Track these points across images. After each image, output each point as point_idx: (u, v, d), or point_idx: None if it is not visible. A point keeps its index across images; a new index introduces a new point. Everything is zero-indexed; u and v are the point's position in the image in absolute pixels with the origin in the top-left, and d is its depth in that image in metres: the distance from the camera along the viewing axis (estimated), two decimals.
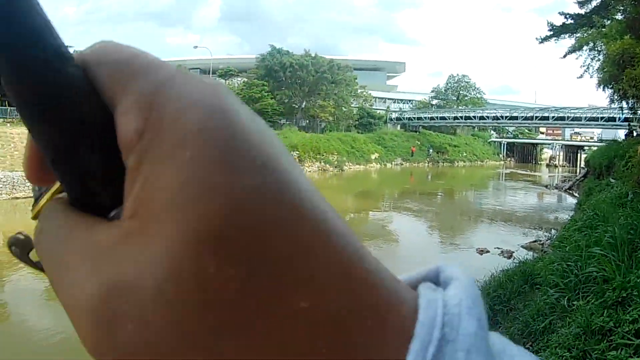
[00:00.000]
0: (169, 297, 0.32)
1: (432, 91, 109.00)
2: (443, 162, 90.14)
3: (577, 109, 79.06)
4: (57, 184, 0.44)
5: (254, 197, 0.34)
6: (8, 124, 49.91)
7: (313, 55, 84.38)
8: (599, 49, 41.27)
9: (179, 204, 0.33)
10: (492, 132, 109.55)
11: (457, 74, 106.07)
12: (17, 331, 14.55)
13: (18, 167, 39.83)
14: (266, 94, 77.48)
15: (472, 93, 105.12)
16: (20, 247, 0.49)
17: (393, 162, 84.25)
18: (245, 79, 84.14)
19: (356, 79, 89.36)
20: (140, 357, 0.33)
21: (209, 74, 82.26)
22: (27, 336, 12.80)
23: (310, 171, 67.43)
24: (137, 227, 0.35)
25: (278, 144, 0.39)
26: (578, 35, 43.24)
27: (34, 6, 0.40)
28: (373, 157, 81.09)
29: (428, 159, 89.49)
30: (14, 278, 20.82)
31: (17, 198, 38.59)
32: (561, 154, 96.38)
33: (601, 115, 72.07)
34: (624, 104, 40.64)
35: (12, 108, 51.47)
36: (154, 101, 0.37)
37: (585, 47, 43.08)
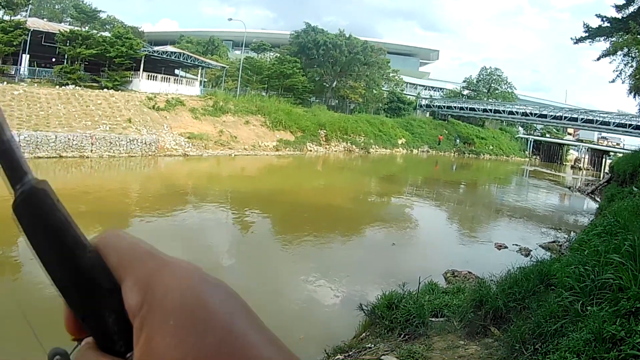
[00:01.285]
0: None
1: (464, 81, 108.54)
2: (469, 153, 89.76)
3: (606, 113, 78.67)
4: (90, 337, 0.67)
5: (215, 350, 0.56)
6: (35, 85, 49.94)
7: (347, 35, 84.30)
8: (633, 56, 40.65)
9: (167, 355, 0.56)
10: (519, 128, 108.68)
11: (490, 67, 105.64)
12: (30, 288, 14.53)
13: (42, 127, 40.78)
14: (298, 70, 77.03)
15: (503, 87, 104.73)
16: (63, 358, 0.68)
17: (419, 149, 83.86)
18: (278, 54, 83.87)
19: (389, 62, 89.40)
20: None
21: (241, 46, 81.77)
22: (41, 293, 12.62)
23: (336, 151, 68.00)
24: None
25: (239, 309, 0.62)
26: (613, 39, 42.59)
27: (54, 205, 0.66)
28: (400, 142, 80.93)
29: (454, 148, 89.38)
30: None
31: (40, 157, 38.58)
32: (586, 157, 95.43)
33: (629, 122, 71.31)
34: None
35: (40, 69, 54.27)
36: (148, 284, 0.62)
37: (619, 52, 42.47)
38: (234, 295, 0.64)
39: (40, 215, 0.62)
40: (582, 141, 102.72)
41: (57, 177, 35.94)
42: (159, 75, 65.07)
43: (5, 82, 48.91)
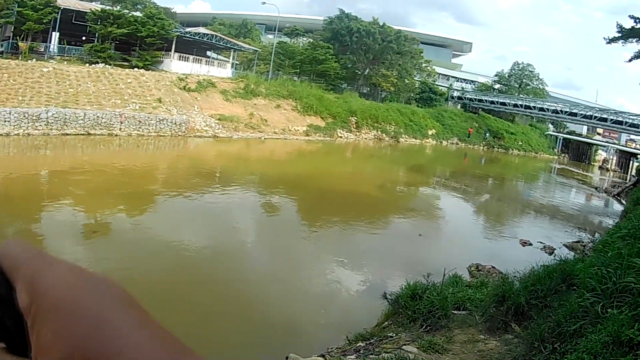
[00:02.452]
0: None
1: (496, 75, 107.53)
2: (498, 148, 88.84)
3: (636, 115, 77.39)
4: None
5: (86, 338, 0.61)
6: (65, 62, 50.45)
7: (381, 23, 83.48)
8: None
9: (51, 348, 0.62)
10: (549, 125, 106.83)
11: (522, 62, 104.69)
12: None
13: (71, 104, 41.17)
14: (330, 56, 76.77)
15: (535, 83, 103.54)
16: None
17: (449, 141, 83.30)
18: (311, 40, 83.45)
19: (422, 52, 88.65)
20: None
21: (274, 30, 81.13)
22: None
23: (366, 139, 67.84)
24: None
25: (113, 301, 0.67)
26: None
27: None
28: (430, 132, 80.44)
29: (484, 142, 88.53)
30: (50, 213, 20.92)
31: (67, 134, 38.86)
32: (614, 158, 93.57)
33: None
34: None
35: (69, 47, 54.65)
36: (33, 284, 0.68)
37: None
38: (110, 289, 0.68)
39: None
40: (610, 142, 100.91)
41: (85, 154, 36.40)
42: (191, 57, 65.08)
43: (34, 59, 49.16)
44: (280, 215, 26.21)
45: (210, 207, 25.30)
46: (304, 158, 50.89)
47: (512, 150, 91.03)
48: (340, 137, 64.99)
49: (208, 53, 77.47)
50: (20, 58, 48.99)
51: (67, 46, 57.40)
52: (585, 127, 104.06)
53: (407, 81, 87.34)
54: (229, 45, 73.47)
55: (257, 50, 78.42)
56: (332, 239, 22.60)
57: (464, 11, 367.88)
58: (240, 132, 53.19)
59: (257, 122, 56.47)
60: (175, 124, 47.35)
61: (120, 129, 43.05)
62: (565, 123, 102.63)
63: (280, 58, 77.49)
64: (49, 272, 0.69)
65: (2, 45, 53.45)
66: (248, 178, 35.25)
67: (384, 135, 71.49)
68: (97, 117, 41.85)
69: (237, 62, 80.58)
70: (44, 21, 53.43)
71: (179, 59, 63.05)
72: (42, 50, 55.32)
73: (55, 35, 56.60)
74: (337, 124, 66.02)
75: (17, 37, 53.02)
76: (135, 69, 54.67)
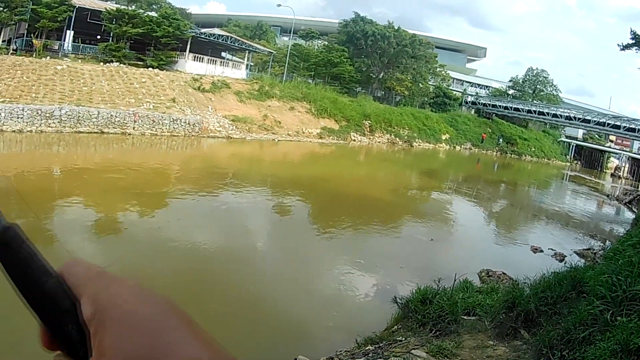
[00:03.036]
0: None
1: (510, 80, 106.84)
2: (511, 153, 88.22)
3: None
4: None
5: (148, 348, 0.71)
6: (79, 60, 50.69)
7: (396, 27, 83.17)
8: None
9: (112, 354, 0.71)
10: (562, 131, 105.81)
11: (537, 68, 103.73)
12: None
13: (85, 102, 41.27)
14: (345, 59, 76.44)
15: (548, 89, 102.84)
16: None
17: (462, 146, 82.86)
18: (326, 43, 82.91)
19: (436, 57, 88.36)
20: None
21: (290, 33, 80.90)
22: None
23: (379, 142, 67.46)
24: None
25: (169, 315, 0.76)
26: None
27: (24, 241, 0.81)
28: (444, 137, 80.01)
29: (497, 147, 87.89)
30: (61, 210, 21.08)
31: (80, 132, 38.92)
32: (627, 165, 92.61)
33: None
34: None
35: (84, 45, 54.98)
36: (97, 299, 0.78)
37: None
38: (166, 304, 0.78)
39: (12, 248, 0.77)
40: (623, 149, 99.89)
41: (98, 152, 36.71)
42: (205, 57, 65.23)
43: (48, 57, 49.52)
44: (292, 218, 26.17)
45: (222, 208, 25.19)
46: (317, 161, 50.84)
47: (525, 156, 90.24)
48: (354, 140, 64.77)
49: (223, 54, 77.48)
50: (34, 55, 49.23)
51: (82, 45, 57.54)
52: (580, 131, 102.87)
53: (421, 85, 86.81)
54: (243, 47, 73.62)
55: (271, 52, 78.39)
56: (344, 242, 22.46)
57: (478, 16, 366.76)
58: (254, 133, 53.08)
59: (271, 123, 56.41)
60: (188, 124, 47.35)
61: (133, 127, 43.06)
62: (565, 128, 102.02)
63: (295, 60, 77.30)
64: (111, 288, 0.79)
65: (16, 43, 53.31)
66: (261, 179, 35.26)
67: (397, 139, 71.16)
68: (111, 115, 41.90)
69: (252, 64, 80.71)
70: (59, 19, 53.59)
71: (194, 60, 63.21)
72: (57, 48, 55.55)
73: (69, 34, 56.85)
74: (351, 127, 65.77)
75: (32, 35, 53.11)
76: (150, 69, 54.85)
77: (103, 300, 0.77)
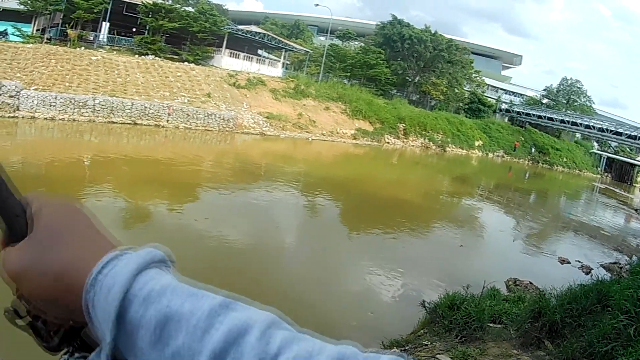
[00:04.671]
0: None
1: (544, 90, 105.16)
2: (542, 163, 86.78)
3: None
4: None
5: (60, 231, 0.96)
6: (114, 52, 50.69)
7: (433, 31, 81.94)
8: None
9: (39, 239, 0.95)
10: (594, 143, 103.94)
11: (571, 78, 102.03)
12: None
13: (119, 93, 41.24)
14: (381, 62, 75.27)
15: (582, 100, 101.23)
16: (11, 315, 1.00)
17: (495, 153, 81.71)
18: (362, 44, 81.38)
19: (472, 62, 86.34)
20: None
21: (326, 32, 79.78)
22: None
23: (413, 146, 66.58)
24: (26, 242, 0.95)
25: (81, 216, 1.00)
26: None
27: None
28: (477, 144, 78.93)
29: (529, 156, 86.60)
30: (90, 198, 20.29)
31: (113, 122, 38.90)
32: None
33: None
34: None
35: (119, 37, 55.46)
36: (37, 211, 0.97)
37: None
38: (81, 210, 1.01)
39: None
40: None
41: (130, 143, 36.44)
42: (242, 54, 64.88)
43: (83, 48, 49.39)
44: (322, 217, 25.80)
45: (251, 204, 24.63)
46: (350, 162, 49.78)
47: (557, 166, 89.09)
48: (388, 143, 63.66)
49: (259, 51, 76.97)
50: (68, 45, 48.96)
51: (117, 36, 57.50)
52: (612, 144, 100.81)
53: (456, 91, 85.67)
54: (280, 45, 72.98)
55: (308, 52, 77.90)
56: (373, 243, 21.99)
57: (514, 23, 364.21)
58: (288, 131, 52.47)
59: (306, 122, 55.71)
60: (223, 119, 46.82)
61: (167, 120, 42.74)
62: (609, 142, 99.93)
63: (332, 60, 76.58)
64: (49, 199, 1.00)
65: (50, 32, 53.19)
66: (294, 177, 34.52)
67: (431, 143, 69.98)
68: (145, 107, 41.62)
69: (288, 62, 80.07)
70: (95, 11, 53.39)
71: (230, 56, 62.69)
72: (92, 39, 55.58)
73: (105, 25, 56.85)
74: (385, 129, 64.69)
75: (66, 25, 52.94)
76: (186, 63, 54.39)
77: (38, 206, 0.97)
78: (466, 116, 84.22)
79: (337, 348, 0.82)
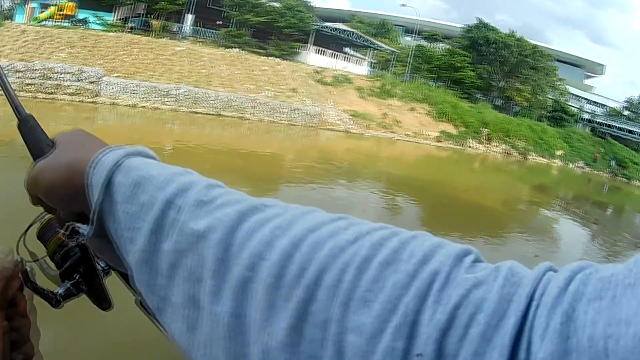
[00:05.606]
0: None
1: (625, 101, 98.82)
2: (621, 177, 79.91)
3: None
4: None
5: (73, 143, 1.00)
6: (199, 44, 50.07)
7: (518, 36, 77.68)
8: None
9: (58, 146, 1.01)
10: None
11: None
12: None
13: (203, 84, 40.68)
14: (467, 65, 72.05)
15: None
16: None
17: (575, 164, 76.52)
18: (449, 46, 77.72)
19: (556, 70, 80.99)
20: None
21: (412, 33, 76.95)
22: None
23: (495, 152, 63.17)
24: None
25: (86, 137, 1.03)
26: None
27: (35, 120, 1.08)
28: (557, 153, 73.99)
29: (608, 169, 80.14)
30: None
31: (197, 113, 38.47)
32: None
33: None
34: None
35: (204, 29, 54.21)
36: (58, 137, 1.02)
37: None
38: (86, 133, 1.06)
39: (28, 127, 1.07)
40: None
41: (214, 133, 35.58)
42: (328, 51, 62.60)
43: (167, 38, 48.89)
44: (400, 217, 23.75)
45: (332, 200, 22.64)
46: (433, 164, 47.16)
47: (635, 181, 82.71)
48: (471, 147, 60.28)
49: (345, 49, 74.31)
50: (151, 35, 48.07)
51: (202, 29, 56.77)
52: None
53: (540, 98, 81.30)
54: (366, 44, 70.47)
55: (394, 52, 74.94)
56: None
57: (598, 31, 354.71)
58: (372, 130, 49.79)
59: (390, 122, 52.87)
60: (308, 114, 45.04)
61: (251, 113, 41.36)
62: None
63: (418, 61, 73.52)
64: (68, 131, 1.06)
65: (133, 22, 52.46)
66: (375, 176, 32.75)
67: (513, 150, 66.02)
68: (229, 99, 40.52)
69: (374, 61, 76.89)
70: (179, 2, 52.51)
71: (316, 52, 60.81)
72: (175, 30, 54.77)
73: (189, 17, 56.11)
74: (469, 133, 61.26)
75: (149, 16, 52.45)
76: (271, 58, 52.59)
77: (61, 134, 1.03)
78: (548, 124, 79.97)
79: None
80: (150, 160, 0.92)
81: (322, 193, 23.88)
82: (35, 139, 1.05)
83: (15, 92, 1.13)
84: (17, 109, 1.09)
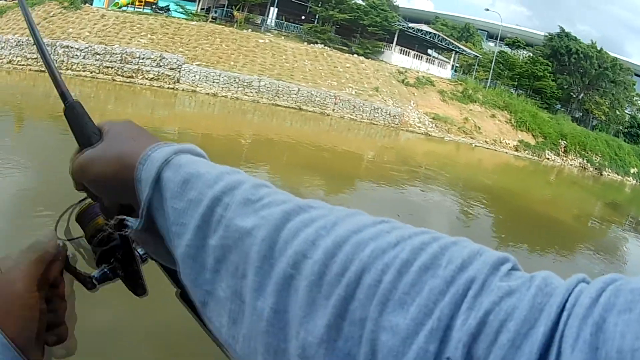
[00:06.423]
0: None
1: None
2: None
3: None
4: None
5: (122, 134, 0.99)
6: (282, 37, 49.44)
7: (598, 48, 73.89)
8: None
9: (107, 136, 1.00)
10: None
11: None
12: None
13: (285, 78, 40.24)
14: (548, 74, 68.63)
15: None
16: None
17: None
18: (531, 54, 75.29)
19: (634, 84, 76.88)
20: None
21: (495, 39, 74.04)
22: None
23: (571, 165, 60.06)
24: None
25: (136, 129, 1.01)
26: None
27: (83, 108, 1.05)
28: (632, 170, 69.50)
29: None
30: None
31: (278, 105, 38.16)
32: None
33: None
34: None
35: (287, 23, 52.13)
36: (105, 127, 1.00)
37: None
38: (135, 125, 1.03)
39: (75, 114, 1.03)
40: None
41: (294, 127, 34.87)
42: (412, 52, 60.77)
43: (250, 30, 47.69)
44: (473, 226, 22.65)
45: (405, 200, 22.58)
46: (509, 173, 45.00)
47: None
48: (548, 158, 57.24)
49: (429, 51, 71.73)
50: (234, 26, 47.29)
51: (285, 23, 55.18)
52: None
53: (618, 112, 77.54)
54: (450, 47, 68.34)
55: (477, 56, 72.59)
56: (518, 259, 16.25)
57: None
58: (452, 134, 47.84)
59: (471, 128, 50.69)
60: (389, 114, 43.65)
61: (333, 109, 40.67)
62: None
63: (500, 68, 70.33)
64: (115, 121, 1.03)
65: (216, 12, 52.30)
66: (452, 182, 31.46)
67: (588, 164, 62.46)
68: (311, 94, 39.95)
69: (457, 65, 75.02)
70: None
71: (400, 53, 58.92)
72: (259, 22, 53.72)
73: (273, 11, 55.22)
74: (547, 144, 58.19)
75: (233, 7, 51.60)
76: (355, 55, 50.87)
77: (108, 124, 1.01)
78: (624, 140, 75.91)
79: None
80: (199, 159, 0.90)
81: (398, 193, 23.18)
82: (82, 127, 1.04)
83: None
84: (63, 94, 1.06)
